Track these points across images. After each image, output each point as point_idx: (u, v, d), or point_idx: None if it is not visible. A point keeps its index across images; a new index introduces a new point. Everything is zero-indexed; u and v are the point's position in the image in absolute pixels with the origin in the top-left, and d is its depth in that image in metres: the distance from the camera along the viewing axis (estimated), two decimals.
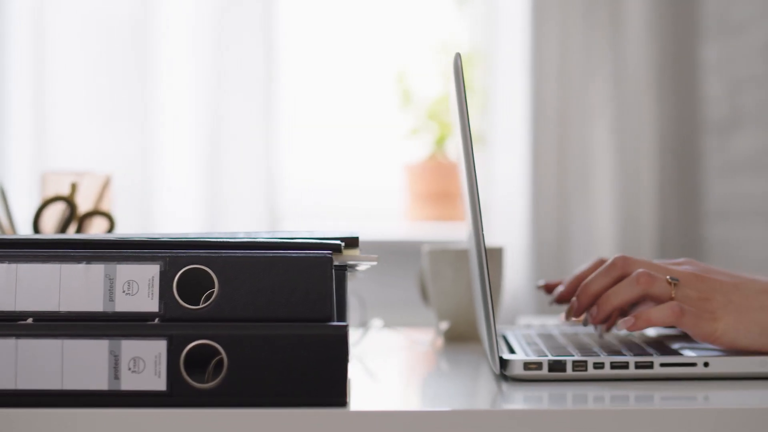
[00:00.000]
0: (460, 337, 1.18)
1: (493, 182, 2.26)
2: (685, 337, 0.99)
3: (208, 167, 2.21)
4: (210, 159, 2.21)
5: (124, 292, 0.74)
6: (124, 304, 0.74)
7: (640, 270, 0.90)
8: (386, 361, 1.09)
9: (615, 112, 2.25)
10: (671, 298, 0.88)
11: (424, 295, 1.24)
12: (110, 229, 1.12)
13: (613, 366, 0.84)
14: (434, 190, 2.40)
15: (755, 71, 2.06)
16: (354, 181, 2.47)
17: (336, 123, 2.50)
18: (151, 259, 0.75)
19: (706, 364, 0.85)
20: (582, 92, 2.24)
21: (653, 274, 0.89)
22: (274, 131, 2.25)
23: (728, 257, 2.12)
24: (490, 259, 1.16)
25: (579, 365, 0.84)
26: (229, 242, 0.77)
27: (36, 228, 1.09)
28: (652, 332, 1.05)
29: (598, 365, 0.84)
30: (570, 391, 0.81)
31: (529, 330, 1.10)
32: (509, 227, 2.24)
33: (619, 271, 0.92)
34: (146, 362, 0.73)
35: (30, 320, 0.74)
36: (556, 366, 0.84)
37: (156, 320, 0.74)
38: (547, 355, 0.87)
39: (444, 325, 1.18)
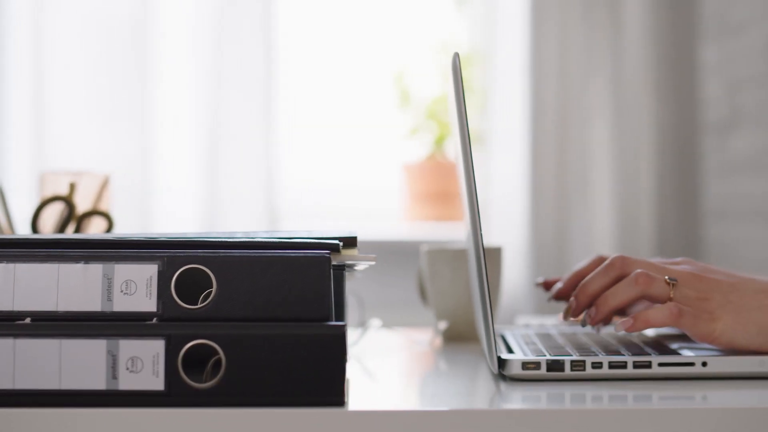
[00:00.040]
0: (459, 336, 1.18)
1: (493, 182, 2.26)
2: (683, 337, 0.99)
3: (207, 167, 2.21)
4: (209, 159, 2.21)
5: (122, 291, 0.74)
6: (122, 304, 0.74)
7: (639, 270, 0.90)
8: (385, 360, 1.09)
9: (614, 112, 2.25)
10: (670, 299, 0.88)
11: (423, 294, 1.24)
12: (109, 229, 1.12)
13: (612, 366, 0.84)
14: (433, 190, 2.40)
15: (754, 72, 2.06)
16: (353, 181, 2.47)
17: (335, 123, 2.50)
18: (149, 259, 0.75)
19: (704, 364, 0.85)
20: (581, 92, 2.25)
21: (652, 274, 0.89)
22: (274, 131, 2.25)
23: (727, 257, 2.13)
24: (489, 259, 1.16)
25: (577, 365, 0.84)
26: (227, 242, 0.77)
27: (34, 228, 1.09)
28: (650, 332, 1.05)
29: (597, 365, 0.84)
30: (568, 391, 0.81)
31: (528, 330, 1.10)
32: (508, 227, 2.25)
33: (618, 271, 0.92)
34: (144, 362, 0.73)
35: (28, 320, 0.74)
36: (555, 366, 0.84)
37: (154, 320, 0.74)
38: (545, 355, 0.87)
39: (442, 325, 1.18)
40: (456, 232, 2.28)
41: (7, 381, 0.72)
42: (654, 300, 0.89)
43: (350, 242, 0.80)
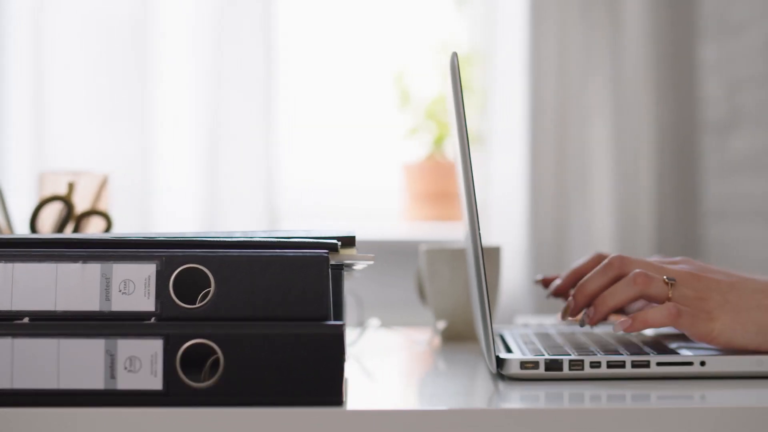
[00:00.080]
0: (458, 336, 1.18)
1: (492, 182, 2.26)
2: (682, 336, 0.99)
3: (207, 167, 2.21)
4: (209, 159, 2.21)
5: (120, 291, 0.74)
6: (120, 304, 0.74)
7: (637, 270, 0.89)
8: (383, 360, 1.09)
9: (614, 111, 2.25)
10: (668, 299, 0.88)
11: (422, 294, 1.24)
12: (107, 229, 1.12)
13: (610, 365, 0.84)
14: (433, 189, 2.40)
15: (754, 71, 2.06)
16: (353, 181, 2.47)
17: (335, 123, 2.50)
18: (147, 259, 0.75)
19: (702, 363, 0.85)
20: (581, 92, 2.25)
21: (650, 274, 0.89)
22: (274, 131, 2.25)
23: (726, 257, 2.13)
24: (488, 259, 1.16)
25: (576, 364, 0.84)
26: (225, 241, 0.77)
27: (33, 228, 1.09)
28: (649, 331, 1.05)
29: (595, 364, 0.84)
30: (567, 390, 0.81)
31: (527, 329, 1.10)
32: (508, 227, 2.25)
33: (616, 270, 0.92)
34: (142, 361, 0.73)
35: (26, 320, 0.74)
36: (553, 365, 0.84)
37: (152, 319, 0.74)
38: (543, 355, 0.87)
39: (441, 325, 1.18)
40: (455, 232, 2.28)
41: (6, 381, 0.72)
42: (652, 300, 0.89)
43: (348, 242, 0.80)
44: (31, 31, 2.18)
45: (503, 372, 0.85)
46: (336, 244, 0.77)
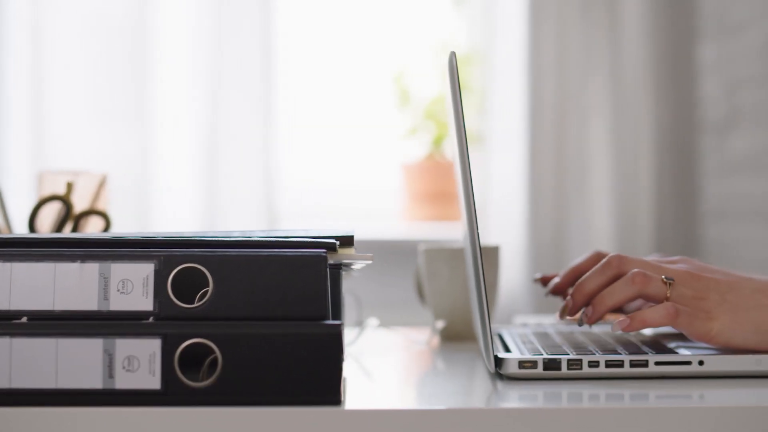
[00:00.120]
0: (456, 336, 1.18)
1: (491, 182, 2.26)
2: (681, 336, 0.99)
3: (206, 167, 2.21)
4: (208, 159, 2.22)
5: (118, 290, 0.74)
6: (118, 303, 0.74)
7: (636, 270, 0.89)
8: (382, 359, 1.09)
9: (613, 111, 2.25)
10: (666, 298, 0.88)
11: (421, 294, 1.24)
12: (106, 229, 1.12)
13: (608, 364, 0.84)
14: (432, 189, 2.40)
15: (753, 71, 2.06)
16: (352, 181, 2.47)
17: (334, 123, 2.50)
18: (145, 258, 0.75)
19: (701, 363, 0.85)
20: (580, 92, 2.25)
21: (648, 274, 0.89)
22: (273, 131, 2.25)
23: (725, 257, 2.13)
24: (486, 258, 1.16)
25: (574, 364, 0.84)
26: (223, 241, 0.77)
27: (32, 227, 1.09)
28: (647, 331, 1.05)
29: (593, 364, 0.84)
30: (565, 390, 0.81)
31: (525, 329, 1.10)
32: (507, 227, 2.25)
33: (615, 270, 0.91)
34: (141, 361, 0.73)
35: (24, 319, 0.74)
36: (551, 364, 0.84)
37: (150, 319, 0.74)
38: (542, 354, 0.87)
39: (440, 324, 1.18)
40: (454, 232, 2.28)
41: (4, 380, 0.72)
42: (651, 299, 0.89)
43: (347, 241, 0.80)
44: (30, 31, 2.18)
45: (502, 371, 0.85)
46: (334, 243, 0.77)
